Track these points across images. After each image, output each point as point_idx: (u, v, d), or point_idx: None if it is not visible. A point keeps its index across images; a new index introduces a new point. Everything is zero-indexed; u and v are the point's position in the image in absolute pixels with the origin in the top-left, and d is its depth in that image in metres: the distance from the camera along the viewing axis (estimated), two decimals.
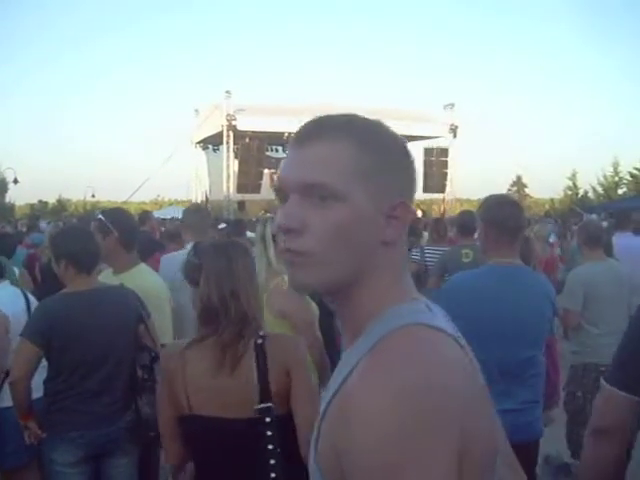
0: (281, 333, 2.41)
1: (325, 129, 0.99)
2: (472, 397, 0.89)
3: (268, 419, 2.03)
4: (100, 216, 3.47)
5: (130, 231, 3.51)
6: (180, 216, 18.70)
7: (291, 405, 2.10)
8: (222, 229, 9.49)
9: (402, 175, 1.01)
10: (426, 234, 8.40)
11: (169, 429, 2.18)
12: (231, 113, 24.79)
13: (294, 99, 30.51)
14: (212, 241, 2.51)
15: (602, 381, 1.69)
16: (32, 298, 3.68)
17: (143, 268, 3.59)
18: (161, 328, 3.23)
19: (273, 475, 2.02)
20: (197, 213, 4.93)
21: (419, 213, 27.56)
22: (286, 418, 2.06)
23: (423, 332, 0.92)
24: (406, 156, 1.03)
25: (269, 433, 2.03)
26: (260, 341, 2.12)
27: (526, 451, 2.88)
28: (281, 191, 0.99)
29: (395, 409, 0.81)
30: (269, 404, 2.04)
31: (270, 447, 2.03)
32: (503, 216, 2.80)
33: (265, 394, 2.05)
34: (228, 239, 3.06)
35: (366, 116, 1.04)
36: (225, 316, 2.10)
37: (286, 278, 3.37)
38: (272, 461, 2.03)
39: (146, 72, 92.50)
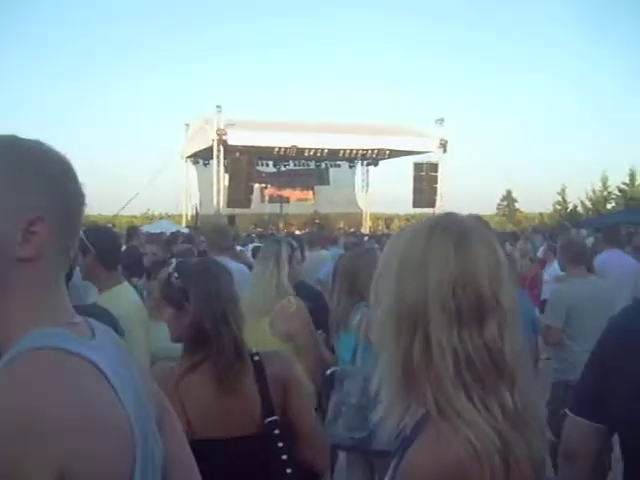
0: (272, 350, 2.47)
1: None
2: (82, 423, 0.90)
3: (277, 431, 2.07)
4: (81, 234, 3.43)
5: (109, 250, 3.43)
6: (169, 230, 18.39)
7: (289, 416, 2.15)
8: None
9: (43, 192, 1.03)
10: None
11: None
12: (221, 128, 24.76)
13: (284, 114, 30.65)
14: (194, 262, 2.50)
15: (567, 410, 1.70)
16: None
17: (124, 288, 3.49)
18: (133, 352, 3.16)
19: None
20: (219, 232, 4.92)
21: None
22: (287, 428, 2.13)
23: (45, 356, 0.93)
24: (51, 174, 1.05)
25: (280, 444, 2.08)
26: (257, 358, 2.17)
27: None
28: None
29: None
30: (275, 417, 2.09)
31: (284, 457, 2.08)
32: None
33: (269, 408, 2.09)
34: (207, 258, 2.98)
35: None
36: (218, 340, 2.11)
37: (292, 299, 3.40)
38: (289, 470, 2.08)
39: (137, 86, 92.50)
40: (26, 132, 1.06)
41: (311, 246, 7.22)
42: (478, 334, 1.16)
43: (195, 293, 2.15)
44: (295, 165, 29.72)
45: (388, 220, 37.52)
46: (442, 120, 27.38)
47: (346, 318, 3.30)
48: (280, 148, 25.65)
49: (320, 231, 16.09)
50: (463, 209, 1.51)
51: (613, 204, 37.31)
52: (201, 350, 2.12)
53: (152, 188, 26.54)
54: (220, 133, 24.53)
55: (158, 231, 18.93)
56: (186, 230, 21.00)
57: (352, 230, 25.62)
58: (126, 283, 3.56)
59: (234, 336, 2.14)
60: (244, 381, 2.11)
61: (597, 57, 73.96)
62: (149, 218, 40.17)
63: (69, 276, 3.16)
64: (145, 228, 22.61)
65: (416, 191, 27.55)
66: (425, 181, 27.44)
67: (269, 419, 2.09)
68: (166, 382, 2.06)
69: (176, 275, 2.23)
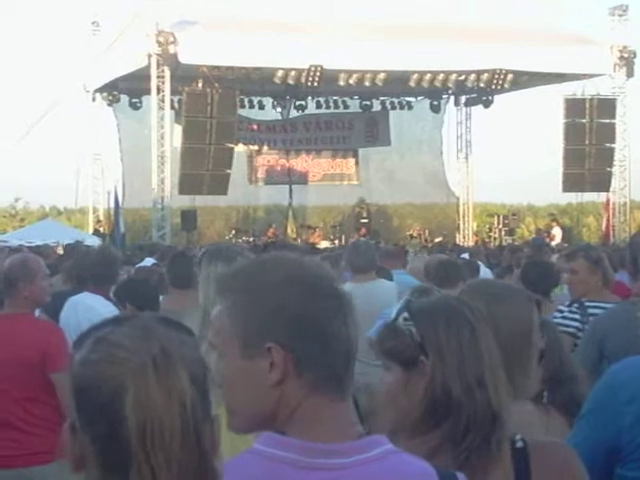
0: (551, 439, 2.14)
1: None
2: None
3: None
4: None
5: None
6: (57, 241, 14.63)
7: None
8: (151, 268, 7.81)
9: None
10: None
11: None
12: (166, 30, 17.09)
13: (288, 7, 17.67)
14: (434, 299, 2.21)
15: None
16: None
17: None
18: None
19: None
20: None
21: (557, 232, 18.42)
22: None
23: None
24: None
25: None
26: (520, 445, 1.90)
27: None
28: None
29: None
30: None
31: None
32: None
33: None
34: (446, 296, 2.52)
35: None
36: (464, 414, 1.82)
37: None
38: None
39: None
40: None
41: (358, 271, 5.21)
42: None
43: (437, 346, 1.88)
44: (318, 107, 20.75)
45: (511, 217, 24.03)
46: (625, 8, 17.83)
47: None
48: (288, 72, 17.18)
49: (368, 244, 9.21)
50: None
51: None
52: (437, 428, 1.91)
53: (25, 154, 23.44)
54: (164, 40, 16.57)
55: (35, 243, 14.08)
56: (96, 240, 16.32)
57: (437, 240, 19.05)
58: None
59: (491, 409, 1.88)
60: (495, 476, 1.93)
61: None
62: (18, 217, 30.11)
63: None
64: (7, 237, 17.23)
65: (569, 158, 19.03)
66: (589, 136, 19.13)
67: None
68: None
69: (406, 316, 1.94)
